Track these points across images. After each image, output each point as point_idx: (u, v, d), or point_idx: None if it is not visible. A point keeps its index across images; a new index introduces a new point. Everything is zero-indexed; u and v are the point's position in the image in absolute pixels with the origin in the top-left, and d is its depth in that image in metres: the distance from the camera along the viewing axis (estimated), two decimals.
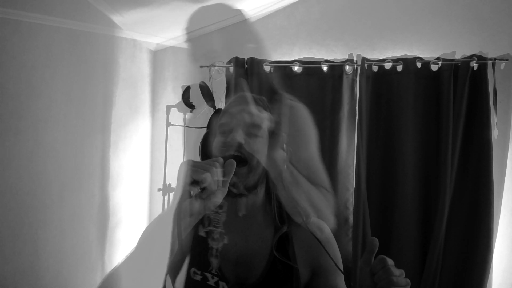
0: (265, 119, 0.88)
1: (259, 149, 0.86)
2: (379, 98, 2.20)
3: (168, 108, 2.33)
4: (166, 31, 2.19)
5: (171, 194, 2.33)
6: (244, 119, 0.86)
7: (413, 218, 2.15)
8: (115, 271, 0.78)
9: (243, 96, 0.91)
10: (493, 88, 2.06)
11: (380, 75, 2.19)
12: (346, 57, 2.24)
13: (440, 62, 2.10)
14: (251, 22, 2.33)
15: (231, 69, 2.28)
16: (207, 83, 2.21)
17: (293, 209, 0.91)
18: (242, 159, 0.83)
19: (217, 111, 0.95)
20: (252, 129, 0.87)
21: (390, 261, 0.75)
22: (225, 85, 2.29)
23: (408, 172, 2.15)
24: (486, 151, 2.04)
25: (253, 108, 0.87)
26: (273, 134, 0.90)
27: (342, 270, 0.87)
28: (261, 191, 0.92)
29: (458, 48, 2.16)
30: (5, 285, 1.21)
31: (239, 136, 0.83)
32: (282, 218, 0.91)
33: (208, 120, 0.96)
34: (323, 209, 0.94)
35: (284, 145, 0.91)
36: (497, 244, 2.11)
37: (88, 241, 1.74)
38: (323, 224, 0.95)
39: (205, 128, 0.94)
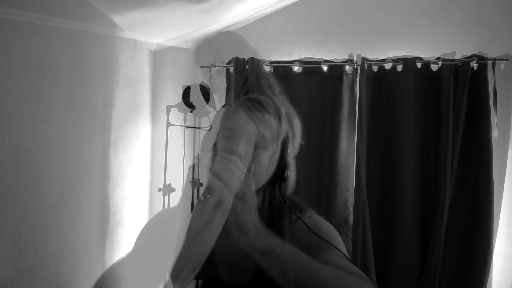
0: (272, 128, 0.85)
1: (262, 161, 0.84)
2: (379, 98, 2.20)
3: (168, 108, 2.33)
4: (166, 31, 2.19)
5: (171, 194, 2.33)
6: (250, 129, 0.83)
7: (413, 218, 2.15)
8: (112, 269, 0.77)
9: (255, 100, 0.87)
10: (493, 88, 2.06)
11: (380, 75, 2.19)
12: (346, 57, 2.25)
13: (440, 62, 2.10)
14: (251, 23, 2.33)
15: (231, 69, 2.28)
16: (207, 83, 2.21)
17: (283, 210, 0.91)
18: None
19: (225, 106, 0.92)
20: (257, 139, 0.83)
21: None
22: (225, 85, 2.29)
23: (408, 172, 2.15)
24: (486, 151, 2.04)
25: (264, 117, 0.84)
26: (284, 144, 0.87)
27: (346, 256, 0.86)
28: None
29: (458, 48, 2.16)
30: (5, 285, 1.21)
31: (241, 148, 0.80)
32: (271, 222, 0.91)
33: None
34: None
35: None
36: (497, 244, 2.11)
37: (88, 241, 1.73)
38: (320, 219, 0.94)
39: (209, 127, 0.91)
